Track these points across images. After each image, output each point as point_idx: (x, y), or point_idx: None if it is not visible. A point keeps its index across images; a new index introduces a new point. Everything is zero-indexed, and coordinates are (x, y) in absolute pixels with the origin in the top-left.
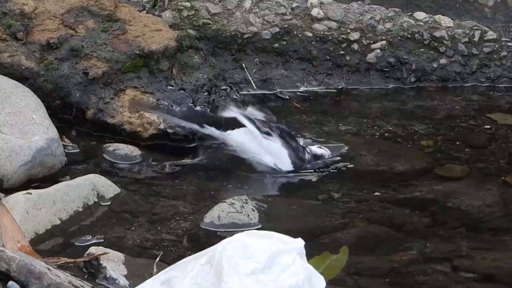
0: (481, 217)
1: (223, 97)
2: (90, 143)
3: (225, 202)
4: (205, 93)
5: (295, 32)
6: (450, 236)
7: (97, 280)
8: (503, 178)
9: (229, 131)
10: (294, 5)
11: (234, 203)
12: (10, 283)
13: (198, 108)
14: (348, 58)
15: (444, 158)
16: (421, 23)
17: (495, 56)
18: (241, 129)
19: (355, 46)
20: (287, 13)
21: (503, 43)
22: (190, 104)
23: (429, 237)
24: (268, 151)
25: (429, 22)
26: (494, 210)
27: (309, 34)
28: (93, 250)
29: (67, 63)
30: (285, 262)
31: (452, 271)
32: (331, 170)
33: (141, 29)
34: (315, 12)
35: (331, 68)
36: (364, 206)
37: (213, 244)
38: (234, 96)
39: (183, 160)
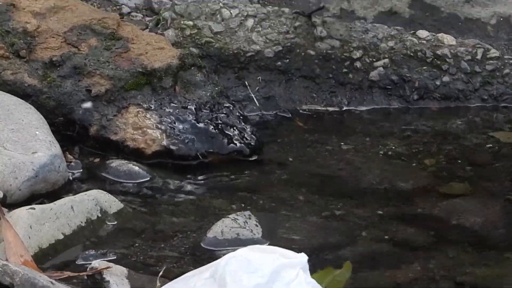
0: (484, 234)
1: (226, 115)
2: (93, 160)
3: (228, 217)
4: (208, 111)
5: (298, 51)
6: (453, 253)
7: None
8: (507, 196)
9: None
10: (297, 24)
11: (237, 219)
12: None
13: (201, 125)
14: (351, 76)
15: (447, 176)
16: (424, 42)
17: (498, 73)
18: None
19: (358, 64)
20: (290, 32)
21: (506, 61)
22: (193, 122)
23: (432, 253)
24: None
25: (432, 40)
26: (498, 227)
27: (312, 53)
28: (96, 264)
29: (70, 80)
30: (288, 277)
31: None
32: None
33: (144, 47)
34: (318, 31)
35: (334, 86)
36: (367, 223)
37: (216, 259)
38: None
39: (186, 177)
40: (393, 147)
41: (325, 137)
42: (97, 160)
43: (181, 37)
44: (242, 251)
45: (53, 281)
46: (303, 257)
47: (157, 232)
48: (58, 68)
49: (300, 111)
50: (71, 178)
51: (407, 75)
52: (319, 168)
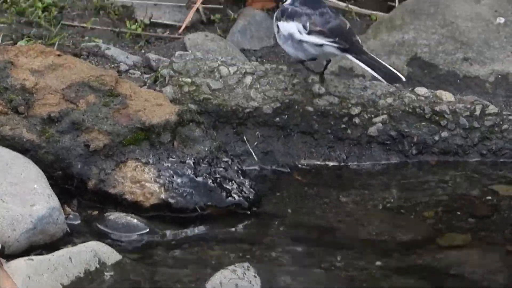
0: (484, 284)
1: (225, 169)
2: (92, 212)
3: (227, 269)
4: (206, 165)
5: (296, 107)
6: None
7: None
8: (506, 247)
9: None
10: (295, 81)
11: (236, 270)
12: None
13: (199, 179)
14: (349, 131)
15: (446, 228)
16: (422, 98)
17: (496, 129)
18: None
19: (357, 120)
20: (288, 89)
21: (505, 117)
22: (192, 176)
23: None
24: None
25: (430, 97)
26: (498, 278)
27: (310, 109)
28: None
29: (68, 136)
30: None
31: None
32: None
33: (142, 103)
34: (316, 88)
35: (333, 141)
36: (366, 274)
37: None
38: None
39: (185, 229)
40: (392, 200)
41: (324, 190)
42: (95, 212)
43: (180, 93)
44: None
45: None
46: None
47: (155, 283)
48: (56, 124)
49: (299, 165)
50: (69, 230)
51: (406, 130)
52: (318, 220)
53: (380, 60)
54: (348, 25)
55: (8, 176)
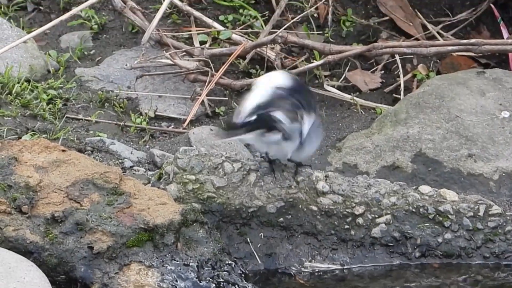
0: None
1: (228, 272)
2: None
3: None
4: (210, 268)
5: (300, 206)
6: None
7: None
8: None
9: None
10: (299, 178)
11: None
12: None
13: (203, 283)
14: (353, 232)
15: None
16: (426, 197)
17: (500, 230)
18: None
19: (360, 220)
20: (292, 187)
21: (508, 218)
22: (195, 280)
23: None
24: None
25: (434, 196)
26: None
27: (314, 208)
28: None
29: (72, 237)
30: None
31: None
32: None
33: (146, 202)
34: (320, 185)
35: (336, 243)
36: None
37: None
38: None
39: None
40: None
41: None
42: None
43: (184, 191)
44: None
45: None
46: None
47: None
48: (60, 224)
49: (302, 268)
50: None
51: (409, 231)
52: None
53: None
54: None
55: (10, 280)
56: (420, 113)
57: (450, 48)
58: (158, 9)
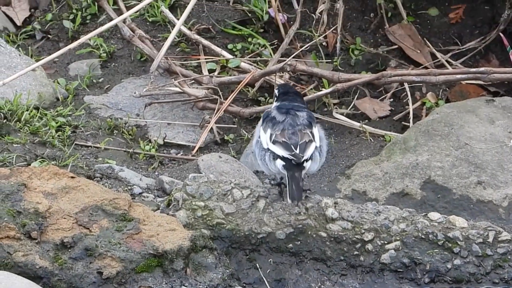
0: None
1: None
2: None
3: None
4: None
5: (309, 232)
6: None
7: None
8: None
9: None
10: (309, 205)
11: None
12: None
13: None
14: (362, 258)
15: None
16: (436, 224)
17: (509, 257)
18: None
19: (369, 246)
20: (302, 213)
21: None
22: None
23: None
24: None
25: (444, 222)
26: None
27: (324, 234)
28: None
29: (81, 263)
30: None
31: None
32: None
33: (155, 228)
34: (329, 212)
35: (345, 268)
36: None
37: None
38: None
39: None
40: None
41: None
42: None
43: (193, 218)
44: None
45: None
46: None
47: None
48: (69, 250)
49: None
50: None
51: (419, 257)
52: None
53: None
54: None
55: None
56: (429, 140)
57: (459, 76)
58: (166, 38)
